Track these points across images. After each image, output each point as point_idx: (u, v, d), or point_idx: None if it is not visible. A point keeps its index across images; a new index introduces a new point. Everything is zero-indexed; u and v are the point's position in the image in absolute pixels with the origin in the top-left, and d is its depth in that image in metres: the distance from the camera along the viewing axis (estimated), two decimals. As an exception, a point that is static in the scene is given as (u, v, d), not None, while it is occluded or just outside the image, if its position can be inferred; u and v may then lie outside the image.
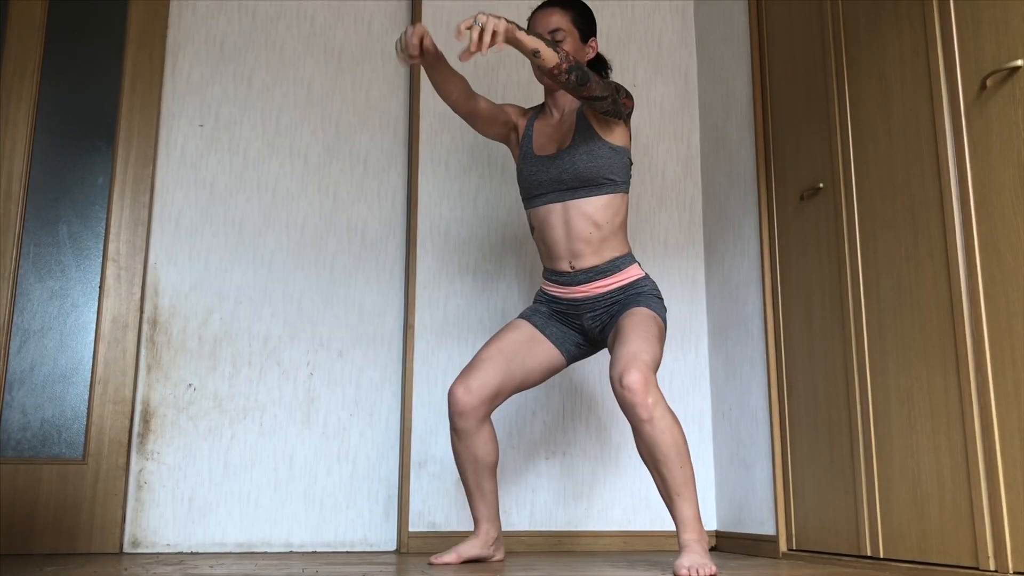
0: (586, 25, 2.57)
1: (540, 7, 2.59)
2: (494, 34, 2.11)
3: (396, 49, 2.32)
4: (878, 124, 2.39)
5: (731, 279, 3.17)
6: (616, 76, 3.42)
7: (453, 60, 3.29)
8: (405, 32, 2.30)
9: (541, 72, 2.27)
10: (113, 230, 2.99)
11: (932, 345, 2.14)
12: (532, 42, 2.19)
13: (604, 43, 3.42)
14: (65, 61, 3.08)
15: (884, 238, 2.34)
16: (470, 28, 2.11)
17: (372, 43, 3.34)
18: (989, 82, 1.98)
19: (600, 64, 2.66)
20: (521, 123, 2.62)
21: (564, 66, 2.23)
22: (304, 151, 3.21)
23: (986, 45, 2.00)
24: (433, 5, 3.34)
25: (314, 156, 3.21)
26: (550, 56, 2.21)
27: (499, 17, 2.14)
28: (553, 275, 2.52)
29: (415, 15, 3.32)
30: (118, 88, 3.09)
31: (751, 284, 3.02)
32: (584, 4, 2.60)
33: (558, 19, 2.52)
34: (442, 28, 3.33)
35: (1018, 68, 1.90)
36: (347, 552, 2.92)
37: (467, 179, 3.26)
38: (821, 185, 2.63)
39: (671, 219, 3.41)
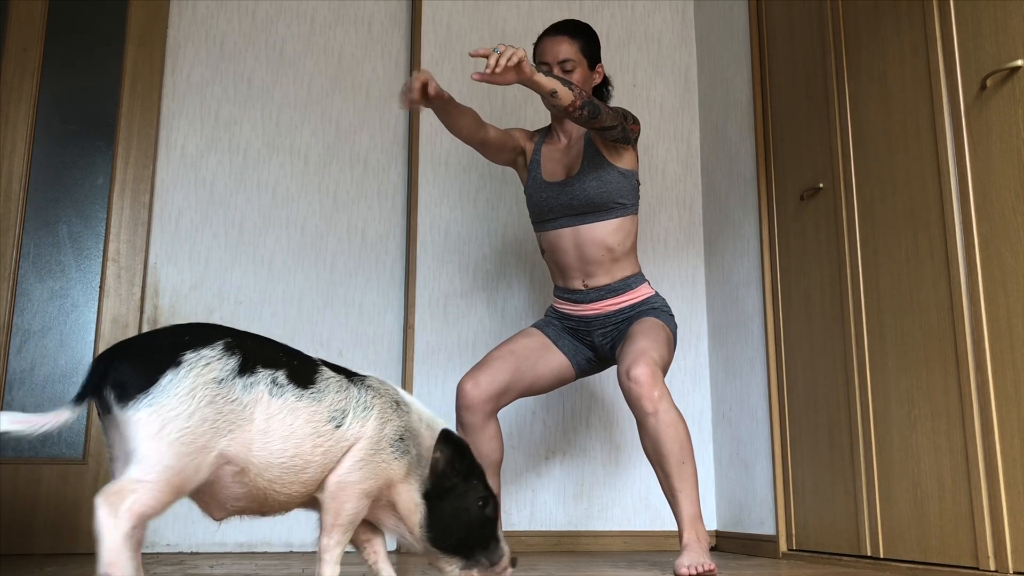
0: (594, 52, 2.58)
1: (548, 34, 2.56)
2: (519, 63, 2.13)
3: (401, 93, 2.30)
4: (878, 124, 2.39)
5: (731, 279, 3.17)
6: (616, 76, 3.42)
7: (455, 67, 3.29)
8: (410, 77, 2.29)
9: (556, 110, 2.30)
10: (113, 230, 2.99)
11: (932, 345, 2.14)
12: (549, 83, 2.22)
13: (604, 43, 3.42)
14: (65, 61, 3.08)
15: (884, 238, 2.34)
16: (487, 56, 2.12)
17: (372, 43, 3.33)
18: (989, 82, 1.98)
19: (604, 86, 2.67)
20: (528, 147, 2.62)
21: (578, 103, 2.26)
22: (304, 151, 3.21)
23: (986, 45, 2.00)
24: (433, 5, 3.34)
25: (314, 156, 3.21)
26: (566, 95, 2.24)
27: (520, 49, 2.16)
28: (565, 293, 2.54)
29: (415, 15, 3.32)
30: (118, 88, 3.09)
31: (751, 284, 3.02)
32: (591, 30, 2.60)
33: (567, 49, 2.52)
34: (442, 28, 3.33)
35: (1018, 68, 1.90)
36: (347, 552, 2.92)
37: (467, 179, 3.26)
38: (821, 185, 2.63)
39: (671, 219, 3.41)
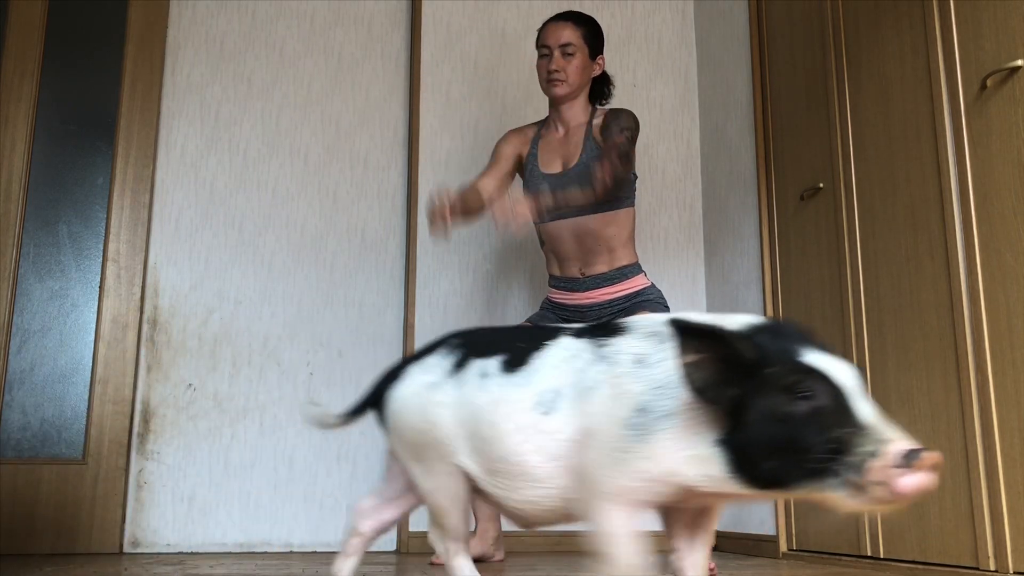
0: (596, 42, 2.60)
1: (553, 19, 2.60)
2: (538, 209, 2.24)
3: (431, 224, 2.34)
4: (878, 124, 2.39)
5: (731, 279, 3.17)
6: (616, 76, 3.42)
7: (454, 67, 3.29)
8: (432, 206, 2.34)
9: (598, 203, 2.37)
10: (113, 230, 2.99)
11: (932, 345, 2.14)
12: (582, 198, 2.29)
13: (604, 43, 3.41)
14: (65, 61, 3.08)
15: (884, 238, 2.34)
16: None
17: (372, 43, 3.33)
18: (989, 82, 1.98)
19: (603, 82, 2.66)
20: (524, 150, 2.64)
21: (609, 184, 2.31)
22: (304, 151, 3.21)
23: (986, 45, 2.00)
24: (433, 5, 3.34)
25: (314, 156, 3.21)
26: (593, 191, 2.31)
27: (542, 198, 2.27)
28: (561, 282, 2.54)
29: (415, 15, 3.32)
30: (118, 88, 3.09)
31: (751, 284, 3.02)
32: (596, 22, 2.62)
33: (570, 34, 2.53)
34: (442, 28, 3.33)
35: (1018, 68, 1.90)
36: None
37: (467, 178, 3.25)
38: (821, 185, 2.63)
39: (671, 219, 3.41)
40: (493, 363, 1.23)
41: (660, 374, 1.10)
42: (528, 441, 1.17)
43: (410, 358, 1.38)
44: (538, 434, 1.16)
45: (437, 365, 1.30)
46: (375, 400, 1.39)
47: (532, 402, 1.17)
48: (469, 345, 1.30)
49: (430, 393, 1.28)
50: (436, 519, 1.33)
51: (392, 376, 1.37)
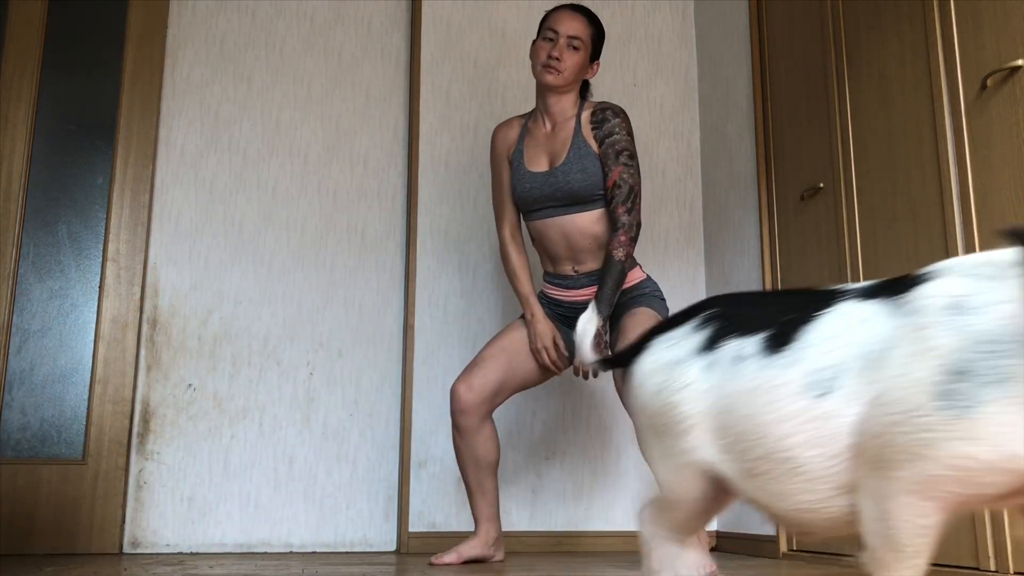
0: (598, 47, 2.59)
1: (569, 7, 2.55)
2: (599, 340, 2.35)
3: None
4: (878, 124, 2.38)
5: (731, 279, 3.17)
6: (616, 76, 3.42)
7: (455, 67, 3.29)
8: (552, 351, 2.49)
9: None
10: (113, 230, 2.99)
11: (932, 345, 2.13)
12: (610, 298, 2.36)
13: (604, 43, 3.41)
14: (65, 61, 3.08)
15: (885, 238, 2.34)
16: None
17: (372, 43, 3.33)
18: (989, 82, 1.98)
19: (583, 88, 2.61)
20: (511, 150, 2.59)
21: (629, 247, 2.38)
22: (304, 151, 3.21)
23: (986, 45, 2.00)
24: (433, 5, 3.34)
25: (314, 156, 3.21)
26: (626, 270, 2.39)
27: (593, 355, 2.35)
28: (555, 279, 2.53)
29: (415, 15, 3.32)
30: (118, 88, 3.09)
31: (751, 284, 3.02)
32: (603, 28, 2.61)
33: (582, 28, 2.51)
34: (442, 28, 3.33)
35: (1018, 68, 1.90)
36: (347, 552, 2.92)
37: (467, 179, 3.26)
38: (821, 185, 2.63)
39: (671, 219, 3.41)
40: (751, 343, 1.02)
41: (988, 322, 0.83)
42: (798, 432, 0.95)
43: (659, 327, 1.18)
44: (811, 422, 0.94)
45: (685, 340, 1.10)
46: (626, 363, 1.21)
47: (801, 384, 0.95)
48: (725, 319, 1.09)
49: (672, 372, 1.09)
50: (662, 507, 1.18)
51: (639, 347, 1.18)
